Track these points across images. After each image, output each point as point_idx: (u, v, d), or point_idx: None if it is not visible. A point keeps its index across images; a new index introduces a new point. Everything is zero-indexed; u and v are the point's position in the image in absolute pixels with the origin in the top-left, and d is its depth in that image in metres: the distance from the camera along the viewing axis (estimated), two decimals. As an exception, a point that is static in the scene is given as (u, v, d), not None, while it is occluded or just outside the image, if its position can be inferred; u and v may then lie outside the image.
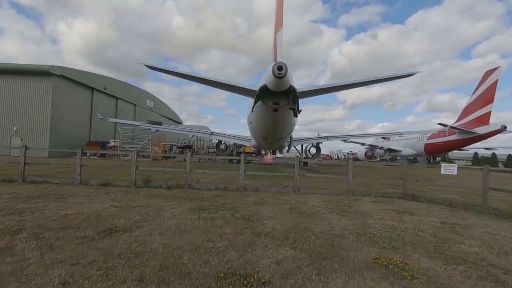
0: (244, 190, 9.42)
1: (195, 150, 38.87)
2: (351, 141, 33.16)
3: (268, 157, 10.50)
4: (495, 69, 33.61)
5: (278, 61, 11.44)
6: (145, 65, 10.79)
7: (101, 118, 28.50)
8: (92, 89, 37.78)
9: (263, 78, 11.95)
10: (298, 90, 12.25)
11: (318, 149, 33.14)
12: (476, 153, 78.91)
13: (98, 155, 32.24)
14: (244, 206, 6.84)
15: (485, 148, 48.22)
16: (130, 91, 48.54)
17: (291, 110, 14.52)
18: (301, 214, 6.20)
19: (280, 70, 10.71)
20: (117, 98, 44.19)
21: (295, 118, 16.98)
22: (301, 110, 13.34)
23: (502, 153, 73.53)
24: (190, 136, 31.67)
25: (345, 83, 12.41)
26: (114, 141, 33.87)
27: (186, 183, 9.51)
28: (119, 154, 31.18)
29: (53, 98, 30.53)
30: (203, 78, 12.01)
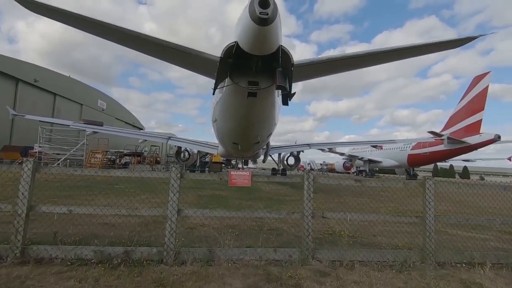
0: (175, 263, 3.58)
1: (151, 159, 31.88)
2: (337, 152, 28.57)
3: (240, 175, 3.95)
4: (485, 74, 31.24)
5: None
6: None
7: (14, 114, 20.97)
8: (17, 79, 29.67)
9: (234, 32, 6.30)
10: (295, 62, 6.62)
11: (298, 159, 28.24)
12: (436, 165, 79.00)
13: (18, 163, 24.46)
14: None
15: (463, 160, 46.54)
16: (75, 88, 40.42)
17: (278, 93, 9.06)
18: None
19: (264, 7, 4.97)
20: (55, 94, 36.00)
21: (280, 110, 11.67)
22: (294, 93, 7.33)
23: (458, 165, 74.07)
24: (140, 141, 25.00)
25: (376, 51, 6.85)
26: (40, 146, 25.99)
27: (14, 245, 3.44)
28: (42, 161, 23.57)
29: (-52, 86, 22.39)
30: (119, 29, 5.93)
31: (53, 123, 24.24)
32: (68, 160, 25.05)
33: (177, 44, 6.42)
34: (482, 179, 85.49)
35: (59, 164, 23.56)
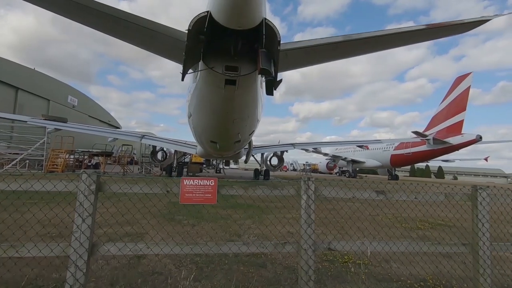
0: None
1: (124, 160, 29.39)
2: (321, 152, 27.59)
3: (199, 186, 2.48)
4: (467, 74, 31.39)
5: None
6: None
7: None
8: (-31, 71, 26.56)
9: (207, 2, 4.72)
10: (284, 46, 5.13)
11: (281, 159, 27.04)
12: (413, 165, 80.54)
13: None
14: None
15: (443, 160, 47.24)
16: (41, 82, 37.04)
17: (262, 83, 7.77)
18: None
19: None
20: (17, 89, 32.68)
21: (264, 104, 10.22)
22: (281, 81, 5.84)
23: (433, 165, 75.98)
24: (110, 139, 22.78)
25: (386, 33, 5.38)
26: (-4, 145, 23.11)
27: None
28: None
29: None
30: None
31: (7, 118, 21.51)
32: (28, 161, 22.38)
33: (132, 15, 4.76)
34: (455, 178, 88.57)
35: (15, 164, 20.92)
